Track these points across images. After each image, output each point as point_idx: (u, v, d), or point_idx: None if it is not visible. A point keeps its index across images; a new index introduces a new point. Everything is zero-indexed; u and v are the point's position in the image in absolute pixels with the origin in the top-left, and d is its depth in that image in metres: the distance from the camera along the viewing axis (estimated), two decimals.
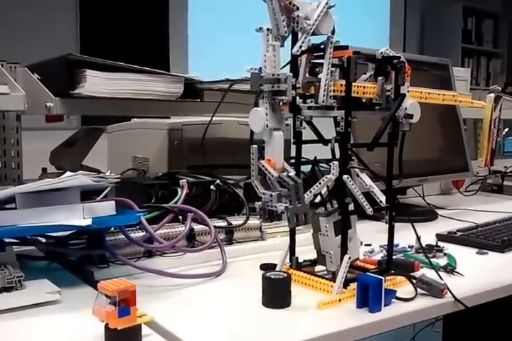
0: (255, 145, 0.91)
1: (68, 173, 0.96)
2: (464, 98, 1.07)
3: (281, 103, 0.89)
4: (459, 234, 1.32)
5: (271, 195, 0.88)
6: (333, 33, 0.92)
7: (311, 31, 0.90)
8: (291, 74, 0.89)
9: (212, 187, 1.23)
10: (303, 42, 0.91)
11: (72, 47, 3.62)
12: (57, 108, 1.20)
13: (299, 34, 0.91)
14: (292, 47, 0.91)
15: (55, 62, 1.24)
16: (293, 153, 0.99)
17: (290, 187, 0.87)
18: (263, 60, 0.88)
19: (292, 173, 0.89)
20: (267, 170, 0.89)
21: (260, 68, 0.89)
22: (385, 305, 0.87)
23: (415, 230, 1.02)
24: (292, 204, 0.87)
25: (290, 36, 0.92)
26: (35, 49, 2.40)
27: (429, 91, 1.02)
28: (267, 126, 0.89)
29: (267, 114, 0.89)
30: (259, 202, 0.90)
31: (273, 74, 0.87)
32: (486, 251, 1.22)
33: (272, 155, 0.90)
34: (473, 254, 1.21)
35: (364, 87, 0.96)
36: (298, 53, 0.91)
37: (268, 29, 0.90)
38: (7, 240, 0.93)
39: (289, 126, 0.95)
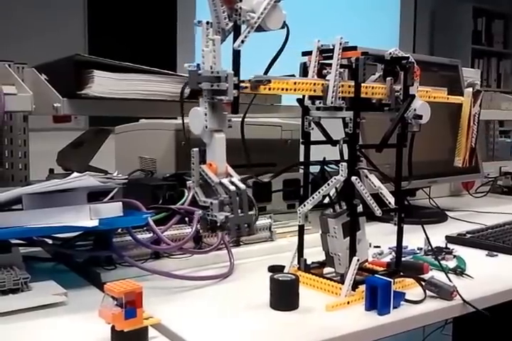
0: (196, 149, 0.86)
1: (75, 174, 0.95)
2: (438, 94, 1.04)
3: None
4: (469, 236, 1.31)
5: (211, 203, 0.82)
6: (284, 28, 0.86)
7: (256, 25, 0.83)
8: (232, 71, 0.82)
9: None
10: (245, 36, 0.83)
11: (79, 47, 3.63)
12: (65, 108, 1.19)
13: (243, 28, 0.84)
14: (234, 42, 0.84)
15: (63, 63, 1.24)
16: (301, 154, 0.98)
17: (232, 194, 0.81)
18: (201, 56, 0.82)
19: (236, 178, 0.84)
20: (207, 175, 0.83)
21: (198, 65, 0.83)
22: (394, 308, 0.86)
23: (425, 232, 1.01)
24: (234, 213, 0.81)
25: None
26: (42, 49, 2.42)
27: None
28: (206, 127, 0.84)
29: (206, 114, 0.83)
30: (200, 211, 0.84)
31: (212, 72, 0.81)
32: (495, 253, 1.21)
33: (213, 159, 0.84)
34: (483, 256, 1.20)
35: (373, 88, 0.95)
36: (239, 48, 0.83)
37: (208, 22, 0.83)
38: (13, 241, 0.93)
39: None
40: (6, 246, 0.90)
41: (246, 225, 0.83)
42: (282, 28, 0.87)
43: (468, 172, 1.77)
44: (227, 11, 0.83)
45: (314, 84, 0.90)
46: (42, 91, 1.21)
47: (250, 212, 0.84)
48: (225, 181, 0.82)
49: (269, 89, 0.85)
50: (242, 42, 0.83)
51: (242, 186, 0.82)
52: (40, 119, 1.30)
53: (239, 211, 0.82)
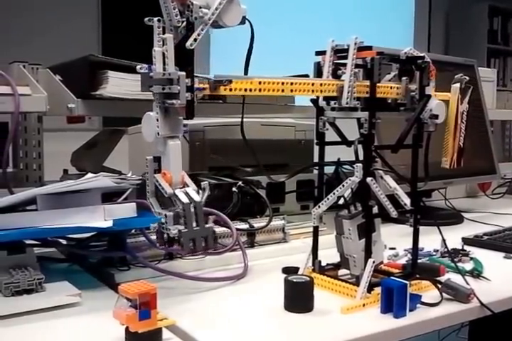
0: (150, 157, 0.80)
1: (89, 175, 0.96)
2: None
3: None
4: (486, 237, 1.29)
5: (165, 215, 0.77)
6: (244, 23, 0.82)
7: (210, 21, 0.78)
8: (184, 73, 0.76)
9: (234, 188, 1.22)
10: (198, 34, 0.77)
11: (93, 48, 3.65)
12: (79, 109, 1.20)
13: (198, 25, 0.79)
14: (186, 40, 0.78)
15: (77, 64, 1.24)
16: (316, 155, 0.97)
17: (185, 207, 0.76)
18: (153, 57, 0.77)
19: (192, 189, 0.79)
20: (160, 185, 0.78)
21: (150, 66, 0.78)
22: (409, 311, 0.85)
23: (441, 234, 1.00)
24: (188, 227, 0.76)
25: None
26: (57, 50, 2.43)
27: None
28: (158, 133, 0.78)
29: (158, 120, 0.78)
30: (155, 224, 0.79)
31: (163, 74, 0.76)
32: None
33: (168, 168, 0.79)
34: (500, 258, 1.19)
35: (388, 88, 0.94)
36: (192, 47, 0.77)
37: (160, 20, 0.78)
38: (28, 242, 0.94)
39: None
40: (21, 247, 0.90)
41: (203, 239, 0.78)
42: (243, 23, 0.82)
43: (484, 173, 1.75)
44: (178, 7, 0.78)
45: (283, 83, 0.84)
46: (56, 91, 1.22)
47: (208, 225, 0.79)
48: (179, 192, 0.78)
49: (230, 89, 0.79)
50: (195, 40, 0.78)
51: (197, 198, 0.78)
52: (55, 120, 1.30)
53: (194, 224, 0.77)
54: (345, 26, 4.31)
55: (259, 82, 0.82)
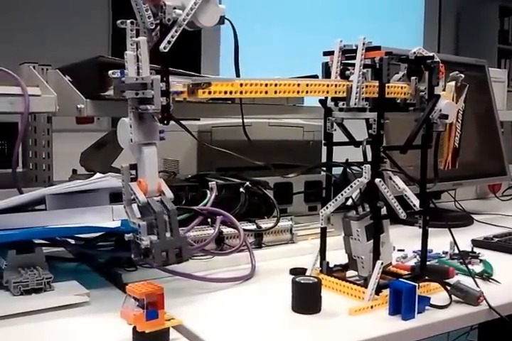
0: (125, 164, 0.78)
1: (98, 175, 0.96)
2: None
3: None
4: (496, 240, 1.28)
5: (139, 225, 0.74)
6: (223, 23, 0.79)
7: (185, 23, 0.75)
8: (158, 77, 0.73)
9: (241, 189, 1.22)
10: (172, 36, 0.75)
11: (103, 49, 3.66)
12: (88, 110, 1.20)
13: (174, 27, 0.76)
14: (160, 43, 0.75)
15: (86, 64, 1.24)
16: (324, 155, 0.97)
17: (157, 216, 0.73)
18: (125, 61, 0.74)
19: (168, 197, 0.76)
20: (134, 194, 0.76)
21: (123, 71, 0.75)
22: (418, 313, 0.85)
23: (452, 235, 0.99)
24: (160, 237, 0.73)
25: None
26: (66, 51, 2.44)
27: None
28: (131, 140, 0.75)
29: (131, 126, 0.75)
30: (130, 234, 0.77)
31: (136, 79, 0.73)
32: None
33: (143, 175, 0.77)
34: (510, 261, 1.18)
35: (397, 88, 0.94)
36: (166, 51, 0.75)
37: (133, 22, 0.75)
38: (37, 241, 0.94)
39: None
40: (30, 246, 0.90)
41: (177, 250, 0.76)
42: (221, 23, 0.80)
43: (494, 174, 1.74)
44: (152, 8, 0.75)
45: (266, 85, 0.81)
46: (65, 92, 1.22)
47: (182, 235, 0.77)
48: (152, 201, 0.76)
49: (209, 92, 0.76)
50: (169, 42, 0.75)
51: (171, 206, 0.75)
52: (64, 120, 1.31)
53: (168, 234, 0.75)
54: (354, 26, 4.30)
55: (241, 84, 0.79)
